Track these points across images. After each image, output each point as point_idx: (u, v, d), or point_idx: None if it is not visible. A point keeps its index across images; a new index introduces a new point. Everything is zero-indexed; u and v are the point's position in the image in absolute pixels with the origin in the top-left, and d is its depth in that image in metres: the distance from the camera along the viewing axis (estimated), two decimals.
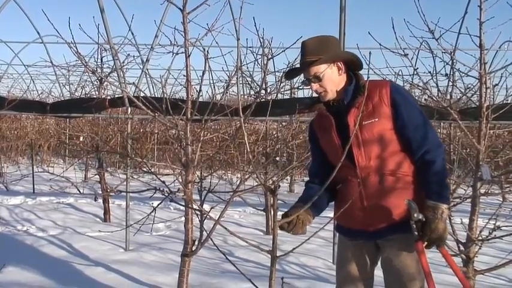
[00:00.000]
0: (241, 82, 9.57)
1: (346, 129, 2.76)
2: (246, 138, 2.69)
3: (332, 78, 2.77)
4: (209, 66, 4.01)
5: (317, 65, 2.73)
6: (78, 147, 11.97)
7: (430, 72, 4.73)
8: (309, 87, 2.84)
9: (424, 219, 2.63)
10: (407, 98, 2.76)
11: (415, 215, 2.63)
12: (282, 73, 3.01)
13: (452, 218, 4.35)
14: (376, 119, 2.70)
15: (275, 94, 7.95)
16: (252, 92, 8.97)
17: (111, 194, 8.33)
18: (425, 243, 2.66)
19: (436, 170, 2.69)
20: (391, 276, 2.83)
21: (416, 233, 2.65)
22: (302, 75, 2.88)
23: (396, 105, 2.70)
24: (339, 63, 2.79)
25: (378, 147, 2.72)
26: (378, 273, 2.94)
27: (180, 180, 3.99)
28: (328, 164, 2.93)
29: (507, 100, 4.72)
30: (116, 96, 7.72)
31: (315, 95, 2.89)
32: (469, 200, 3.97)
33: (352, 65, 2.84)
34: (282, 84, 8.08)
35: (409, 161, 2.76)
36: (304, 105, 5.55)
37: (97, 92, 9.22)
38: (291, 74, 3.05)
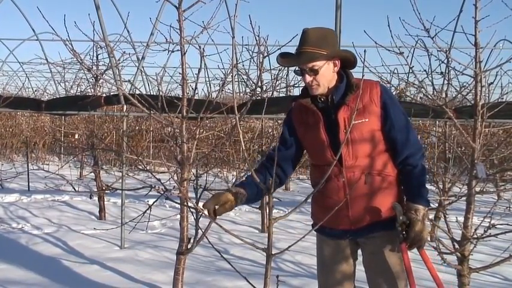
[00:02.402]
0: (236, 80, 9.57)
1: (333, 126, 2.74)
2: (241, 136, 2.69)
3: (327, 74, 2.73)
4: (205, 64, 3.99)
5: (317, 60, 2.69)
6: (73, 144, 11.95)
7: (425, 70, 4.75)
8: (300, 77, 2.80)
9: (408, 222, 2.67)
10: (394, 101, 2.82)
11: (401, 218, 2.67)
12: (276, 61, 2.91)
13: (447, 216, 4.36)
14: (367, 119, 2.70)
15: (271, 92, 7.96)
16: (248, 90, 8.97)
17: (106, 191, 8.32)
18: (408, 244, 2.69)
19: (419, 174, 2.76)
20: (374, 274, 2.84)
21: (401, 235, 2.68)
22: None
23: (386, 106, 2.73)
24: (336, 60, 2.76)
25: (365, 147, 2.73)
26: (360, 267, 2.96)
27: (176, 178, 3.99)
28: (294, 156, 2.94)
29: (502, 98, 4.73)
30: (112, 93, 7.71)
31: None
32: (464, 198, 3.98)
33: (346, 63, 2.82)
34: (277, 82, 8.09)
35: (391, 161, 2.79)
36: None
37: (92, 90, 9.19)
38: (284, 58, 2.87)
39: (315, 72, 2.70)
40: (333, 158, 2.68)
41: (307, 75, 2.72)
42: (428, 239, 2.90)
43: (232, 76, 2.59)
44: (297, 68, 2.81)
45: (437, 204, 5.07)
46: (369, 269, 2.87)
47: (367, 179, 2.73)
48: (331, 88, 2.78)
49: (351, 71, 2.85)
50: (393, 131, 2.74)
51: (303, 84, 2.81)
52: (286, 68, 7.64)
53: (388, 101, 2.73)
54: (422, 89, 4.69)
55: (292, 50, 2.83)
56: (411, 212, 2.68)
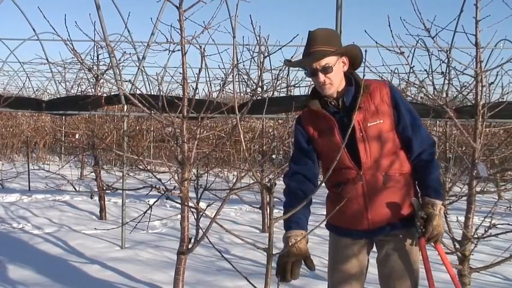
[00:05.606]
0: (237, 80, 9.57)
1: (347, 130, 2.74)
2: (242, 136, 2.69)
3: (338, 72, 2.74)
4: (205, 64, 3.99)
5: (330, 56, 2.68)
6: (74, 144, 11.95)
7: (426, 70, 4.74)
8: (310, 78, 2.78)
9: (425, 216, 2.69)
10: (404, 100, 2.83)
11: (420, 213, 2.71)
12: (283, 64, 2.92)
13: (448, 216, 4.36)
14: (381, 121, 2.72)
15: (271, 92, 7.96)
16: (249, 90, 8.97)
17: (107, 191, 8.32)
18: (426, 238, 2.71)
19: (433, 169, 2.78)
20: (388, 272, 2.84)
21: (420, 230, 2.71)
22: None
23: (397, 106, 2.75)
24: (344, 58, 2.77)
25: (381, 148, 2.74)
26: (371, 270, 2.95)
27: (176, 178, 3.99)
28: (317, 164, 2.91)
29: (503, 98, 4.73)
30: (112, 93, 7.71)
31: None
32: (465, 198, 3.98)
33: (353, 63, 2.83)
34: (278, 82, 8.09)
35: (406, 159, 2.81)
36: (300, 103, 5.54)
37: (93, 90, 9.20)
38: (293, 61, 2.92)
39: (328, 70, 2.69)
40: (350, 161, 2.72)
41: (320, 75, 2.70)
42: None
43: (233, 76, 2.58)
44: (307, 70, 2.79)
45: None
46: (383, 266, 2.86)
47: (385, 179, 2.74)
48: (341, 91, 2.78)
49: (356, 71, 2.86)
50: (406, 129, 2.76)
51: (303, 84, 2.82)
52: (286, 68, 7.64)
53: (398, 101, 2.76)
54: (423, 89, 4.70)
55: (293, 50, 2.84)
56: (427, 207, 2.71)
